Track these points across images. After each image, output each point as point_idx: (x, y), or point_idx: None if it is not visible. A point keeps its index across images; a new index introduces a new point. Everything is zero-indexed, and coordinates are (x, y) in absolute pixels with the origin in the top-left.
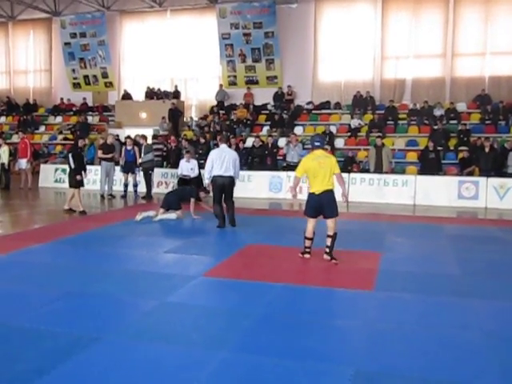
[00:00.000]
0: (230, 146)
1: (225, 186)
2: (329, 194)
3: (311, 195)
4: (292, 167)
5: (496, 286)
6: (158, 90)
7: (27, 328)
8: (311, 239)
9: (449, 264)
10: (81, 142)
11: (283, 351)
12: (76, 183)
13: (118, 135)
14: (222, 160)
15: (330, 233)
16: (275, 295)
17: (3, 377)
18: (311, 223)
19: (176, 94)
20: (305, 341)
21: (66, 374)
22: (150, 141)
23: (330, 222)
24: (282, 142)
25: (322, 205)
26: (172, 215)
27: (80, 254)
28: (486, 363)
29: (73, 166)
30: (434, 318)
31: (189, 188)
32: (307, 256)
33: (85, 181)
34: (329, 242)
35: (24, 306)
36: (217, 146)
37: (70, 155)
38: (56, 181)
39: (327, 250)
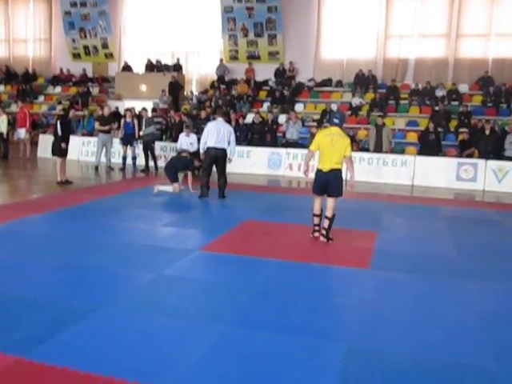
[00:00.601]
0: (230, 122)
1: (218, 158)
2: (336, 173)
3: (318, 172)
4: (291, 144)
5: (491, 268)
6: (158, 62)
7: (25, 297)
8: (319, 216)
9: (445, 245)
10: (72, 113)
11: (279, 326)
12: (60, 152)
13: (117, 107)
14: (217, 132)
15: (329, 214)
16: (272, 271)
17: (1, 344)
18: (318, 200)
19: (177, 67)
20: (300, 317)
21: (62, 343)
22: (149, 114)
23: (329, 202)
24: (282, 118)
25: (327, 183)
26: (168, 188)
27: (77, 226)
28: (480, 344)
29: (60, 133)
30: (429, 299)
31: (183, 159)
32: (316, 235)
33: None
34: (326, 223)
35: (21, 276)
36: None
37: (58, 122)
38: None
39: (323, 232)
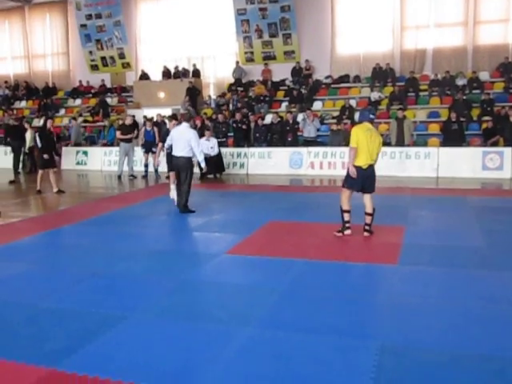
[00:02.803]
0: (248, 123)
1: (179, 167)
2: (373, 168)
3: (358, 169)
4: (309, 143)
5: None
6: (176, 68)
7: (54, 308)
8: (349, 211)
9: (474, 236)
10: (49, 123)
11: (309, 326)
12: (44, 163)
13: (134, 116)
14: (178, 140)
15: (370, 211)
16: (299, 271)
17: (33, 356)
18: (348, 197)
19: (196, 73)
20: (330, 316)
21: (93, 352)
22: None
23: (368, 198)
24: (300, 117)
25: (366, 179)
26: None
27: (104, 235)
28: None
29: (39, 145)
30: (461, 291)
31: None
32: (348, 232)
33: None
34: (369, 219)
35: (51, 287)
36: (235, 123)
37: (36, 135)
38: (78, 163)
39: (367, 227)
